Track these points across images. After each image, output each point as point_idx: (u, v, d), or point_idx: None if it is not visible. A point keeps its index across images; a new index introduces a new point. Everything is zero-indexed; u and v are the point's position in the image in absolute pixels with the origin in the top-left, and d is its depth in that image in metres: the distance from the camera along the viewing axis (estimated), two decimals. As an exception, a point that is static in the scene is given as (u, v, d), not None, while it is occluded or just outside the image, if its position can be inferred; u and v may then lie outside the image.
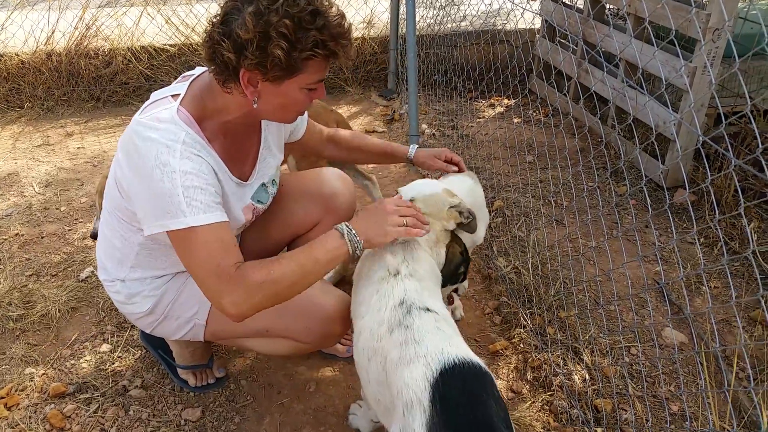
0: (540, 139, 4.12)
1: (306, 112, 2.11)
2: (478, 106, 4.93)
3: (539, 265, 2.79)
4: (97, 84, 4.91)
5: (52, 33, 4.80)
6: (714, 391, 2.11)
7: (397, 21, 4.91)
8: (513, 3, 3.72)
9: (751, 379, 2.03)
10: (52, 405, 2.20)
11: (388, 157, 2.38)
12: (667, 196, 2.25)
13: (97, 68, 4.87)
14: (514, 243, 3.02)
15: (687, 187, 1.96)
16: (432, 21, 5.26)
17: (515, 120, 4.62)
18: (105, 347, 2.46)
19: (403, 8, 4.66)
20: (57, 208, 3.46)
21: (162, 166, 1.52)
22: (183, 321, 1.94)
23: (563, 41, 4.62)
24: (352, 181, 2.22)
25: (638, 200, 3.48)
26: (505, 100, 4.96)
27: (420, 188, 1.91)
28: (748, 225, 2.98)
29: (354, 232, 1.64)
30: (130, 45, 4.86)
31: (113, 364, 2.38)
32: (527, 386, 2.27)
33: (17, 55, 4.75)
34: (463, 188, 2.14)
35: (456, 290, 2.36)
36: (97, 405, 2.20)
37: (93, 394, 2.25)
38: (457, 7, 5.42)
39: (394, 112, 4.74)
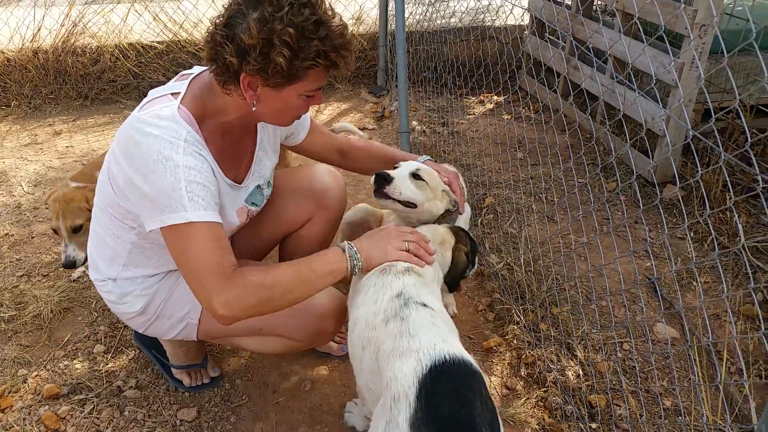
0: (530, 136, 4.13)
1: (309, 117, 2.14)
2: (467, 102, 4.94)
3: (531, 262, 2.81)
4: (84, 82, 4.87)
5: (38, 30, 4.76)
6: (707, 385, 2.14)
7: (386, 17, 4.91)
8: None
9: (744, 372, 2.05)
10: (46, 406, 2.19)
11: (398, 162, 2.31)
12: (658, 192, 2.26)
13: (84, 66, 4.84)
14: (506, 240, 3.03)
15: (678, 182, 1.98)
16: (421, 17, 5.26)
17: (505, 117, 4.63)
18: (98, 348, 2.44)
19: (392, 4, 4.66)
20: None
21: (165, 161, 1.52)
22: (175, 320, 1.94)
23: (552, 38, 4.64)
24: (342, 176, 2.22)
25: (627, 196, 3.50)
26: (495, 97, 4.98)
27: (419, 163, 2.08)
28: (734, 220, 3.01)
29: (355, 249, 1.68)
30: (117, 42, 4.84)
31: (107, 364, 2.37)
32: (521, 382, 2.28)
33: (2, 53, 4.72)
34: None
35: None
36: (92, 406, 2.19)
37: (87, 395, 2.24)
38: (446, 3, 5.42)
39: (384, 109, 4.74)
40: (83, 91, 4.89)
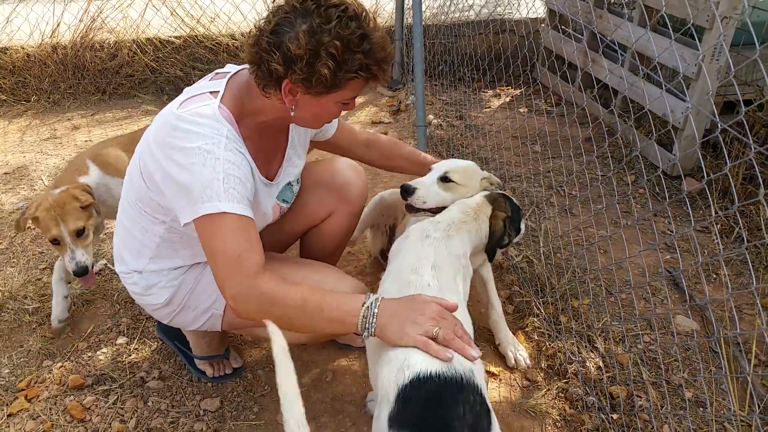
0: (547, 129, 4.12)
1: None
2: (484, 96, 4.93)
3: (551, 254, 2.80)
4: (102, 76, 4.91)
5: (58, 26, 4.80)
6: (734, 376, 2.13)
7: (402, 11, 4.90)
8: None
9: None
10: (72, 397, 2.22)
11: (419, 166, 2.33)
12: (684, 186, 2.25)
13: (102, 61, 4.87)
14: (525, 232, 3.02)
15: (705, 175, 1.96)
16: (437, 10, 5.24)
17: (522, 110, 4.62)
18: (121, 339, 2.47)
19: (408, -2, 4.66)
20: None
21: (206, 153, 1.55)
22: (200, 311, 1.96)
23: (570, 31, 4.62)
24: (363, 170, 2.23)
25: (645, 189, 3.48)
26: (511, 90, 4.96)
27: (454, 162, 2.09)
28: (759, 214, 2.99)
29: (375, 311, 1.49)
30: (135, 37, 4.87)
31: (130, 356, 2.40)
32: (542, 374, 2.28)
33: (23, 48, 4.76)
34: None
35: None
36: (116, 396, 2.22)
37: (111, 385, 2.27)
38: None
39: (400, 102, 4.74)
40: (101, 86, 4.93)
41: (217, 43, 4.92)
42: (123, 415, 2.15)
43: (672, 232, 3.10)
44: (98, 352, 2.42)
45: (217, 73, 1.80)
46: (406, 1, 4.83)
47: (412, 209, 2.11)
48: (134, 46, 4.86)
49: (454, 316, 1.50)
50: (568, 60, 4.48)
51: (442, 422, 1.30)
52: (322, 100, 1.66)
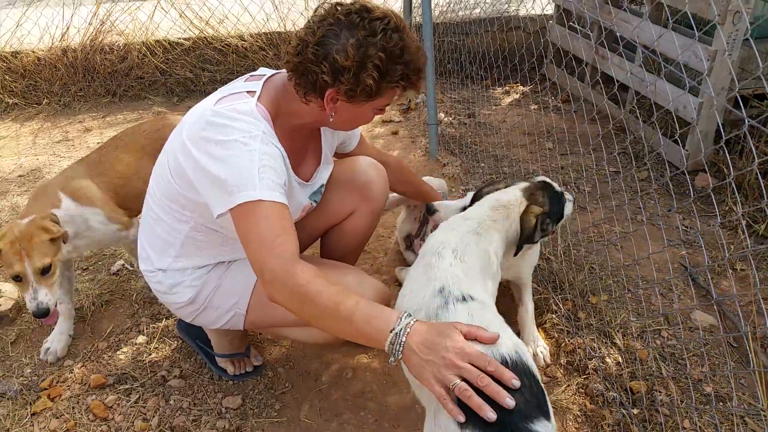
0: (558, 126, 4.12)
1: (359, 130, 2.25)
2: (493, 93, 4.93)
3: (568, 251, 2.81)
4: (112, 79, 4.93)
5: (67, 29, 4.83)
6: (761, 370, 2.13)
7: (410, 9, 4.90)
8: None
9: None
10: (94, 396, 2.23)
11: (423, 196, 2.59)
12: (710, 181, 2.26)
13: (112, 63, 4.90)
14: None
15: (729, 170, 1.97)
16: (445, 8, 5.25)
17: (532, 107, 4.62)
18: (141, 339, 2.49)
19: (416, -3, 4.66)
20: None
21: (243, 146, 1.57)
22: (223, 310, 1.97)
23: (579, 27, 4.62)
24: (384, 168, 2.24)
25: (659, 185, 3.48)
26: (521, 87, 4.97)
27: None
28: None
29: (403, 341, 1.37)
30: (144, 39, 4.90)
31: (150, 355, 2.41)
32: (561, 370, 2.29)
33: (33, 52, 4.79)
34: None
35: None
36: (138, 395, 2.23)
37: (132, 384, 2.28)
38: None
39: (410, 101, 4.75)
40: (111, 88, 4.96)
41: (226, 44, 4.93)
42: (145, 414, 2.16)
43: (687, 227, 3.10)
44: (118, 352, 2.43)
45: (251, 75, 1.83)
46: (414, 0, 4.83)
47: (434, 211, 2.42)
48: (144, 48, 4.88)
49: (481, 354, 1.32)
50: (578, 56, 4.48)
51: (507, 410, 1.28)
52: (361, 107, 1.71)
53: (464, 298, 1.55)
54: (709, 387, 2.20)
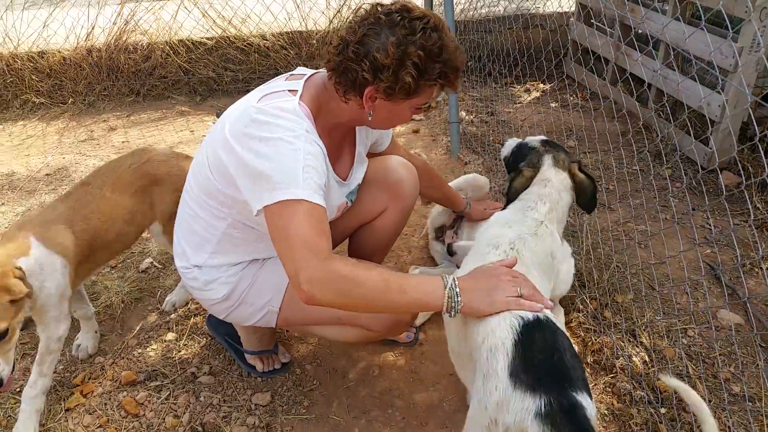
0: (579, 123, 4.11)
1: (391, 132, 2.29)
2: (513, 91, 4.93)
3: (591, 250, 2.81)
4: (136, 78, 4.98)
5: (92, 29, 4.88)
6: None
7: (431, 7, 4.91)
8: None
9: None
10: (125, 392, 2.27)
11: (448, 202, 2.65)
12: (743, 178, 2.26)
13: (136, 63, 4.95)
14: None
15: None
16: (465, 6, 5.25)
17: (552, 105, 4.61)
18: (170, 336, 2.53)
19: (438, -4, 4.67)
20: None
21: (287, 144, 1.60)
22: (257, 307, 2.00)
23: (600, 25, 4.60)
24: (414, 167, 2.26)
25: (682, 183, 3.47)
26: (541, 85, 4.95)
27: None
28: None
29: (457, 290, 1.55)
30: (168, 39, 4.94)
31: (180, 351, 2.45)
32: (588, 369, 2.29)
33: (59, 52, 4.85)
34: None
35: None
36: (168, 392, 2.27)
37: (163, 381, 2.32)
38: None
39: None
40: (135, 88, 5.01)
41: (248, 44, 4.97)
42: (176, 410, 2.20)
43: (712, 226, 3.09)
44: (148, 349, 2.47)
45: (291, 75, 1.86)
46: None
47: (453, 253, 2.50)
48: (167, 47, 4.93)
49: (522, 274, 1.62)
50: (599, 54, 4.46)
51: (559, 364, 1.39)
52: (399, 105, 1.73)
53: None
54: (738, 387, 2.19)
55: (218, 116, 4.53)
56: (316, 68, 1.91)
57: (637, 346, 2.32)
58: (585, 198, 2.10)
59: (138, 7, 4.97)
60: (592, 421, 1.33)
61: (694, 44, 3.41)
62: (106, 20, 4.89)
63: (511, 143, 2.30)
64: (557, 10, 5.32)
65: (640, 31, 4.05)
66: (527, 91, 4.93)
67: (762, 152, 1.84)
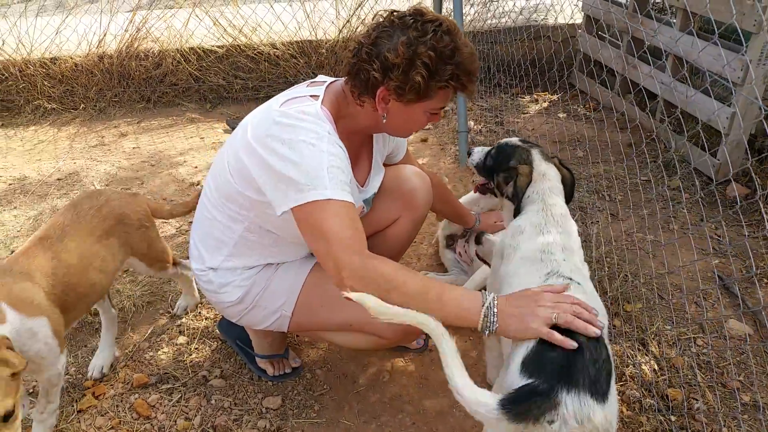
0: (588, 134, 4.13)
1: (406, 145, 2.32)
2: (521, 101, 4.95)
3: (601, 259, 2.82)
4: (147, 85, 5.03)
5: (104, 36, 4.93)
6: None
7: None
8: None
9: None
10: (137, 395, 2.29)
11: (458, 217, 2.67)
12: (759, 189, 2.28)
13: (147, 70, 4.99)
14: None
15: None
16: (474, 17, 5.29)
17: (560, 115, 4.64)
18: (181, 339, 2.54)
19: (446, 5, 4.70)
20: None
21: (311, 146, 1.63)
22: (270, 311, 2.02)
23: (609, 37, 4.63)
24: (427, 177, 2.28)
25: (690, 194, 3.48)
26: (549, 96, 4.98)
27: None
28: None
29: (495, 311, 1.50)
30: (179, 46, 4.98)
31: (191, 355, 2.46)
32: (597, 376, 2.30)
33: (71, 58, 4.90)
34: None
35: None
36: (180, 395, 2.28)
37: (174, 384, 2.33)
38: (497, 2, 5.44)
39: (439, 109, 4.77)
40: (146, 94, 5.05)
41: (258, 52, 5.01)
42: (187, 413, 2.21)
43: (720, 237, 3.10)
44: (159, 352, 2.49)
45: (312, 82, 1.89)
46: (443, 9, 4.87)
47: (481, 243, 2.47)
48: (178, 55, 4.97)
49: (570, 296, 1.50)
50: (606, 65, 4.49)
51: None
52: (412, 108, 1.76)
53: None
54: (747, 396, 2.20)
55: (229, 125, 4.59)
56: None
57: (647, 355, 2.33)
58: (566, 190, 2.04)
59: (149, 14, 5.02)
60: None
61: (705, 58, 3.44)
62: (118, 27, 4.93)
63: (481, 149, 2.22)
64: (567, 22, 5.35)
65: (647, 43, 4.07)
66: (535, 101, 4.95)
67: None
